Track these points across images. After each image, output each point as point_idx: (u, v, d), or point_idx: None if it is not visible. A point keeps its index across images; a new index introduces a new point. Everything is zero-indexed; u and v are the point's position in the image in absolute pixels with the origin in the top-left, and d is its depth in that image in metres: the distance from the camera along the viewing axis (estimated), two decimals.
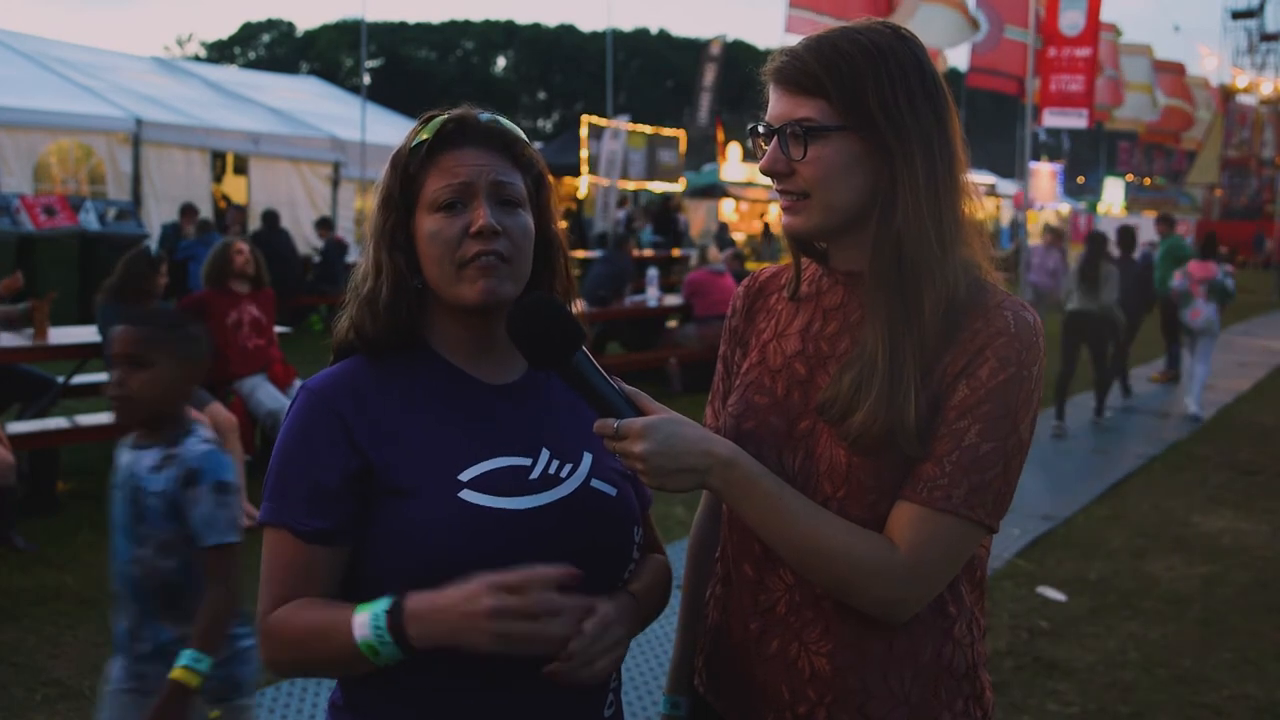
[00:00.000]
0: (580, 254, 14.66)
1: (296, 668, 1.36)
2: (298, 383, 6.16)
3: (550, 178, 1.47)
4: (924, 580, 1.29)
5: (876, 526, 1.30)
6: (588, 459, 1.40)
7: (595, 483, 1.39)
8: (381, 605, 1.24)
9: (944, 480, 1.26)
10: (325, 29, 72.56)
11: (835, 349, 1.37)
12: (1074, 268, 9.40)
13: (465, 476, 1.31)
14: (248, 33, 75.63)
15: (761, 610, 1.40)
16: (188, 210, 12.36)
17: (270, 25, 75.89)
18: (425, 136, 1.36)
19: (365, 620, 1.23)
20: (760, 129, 1.36)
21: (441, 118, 1.37)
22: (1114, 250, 10.12)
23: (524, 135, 1.42)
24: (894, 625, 1.33)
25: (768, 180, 1.38)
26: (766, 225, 24.45)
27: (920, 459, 1.28)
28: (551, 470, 1.36)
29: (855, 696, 1.34)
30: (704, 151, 31.76)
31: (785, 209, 1.36)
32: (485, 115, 1.40)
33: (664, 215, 20.96)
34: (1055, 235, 14.54)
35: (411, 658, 1.24)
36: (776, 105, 1.34)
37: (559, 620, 1.22)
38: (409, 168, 1.36)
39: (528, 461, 1.36)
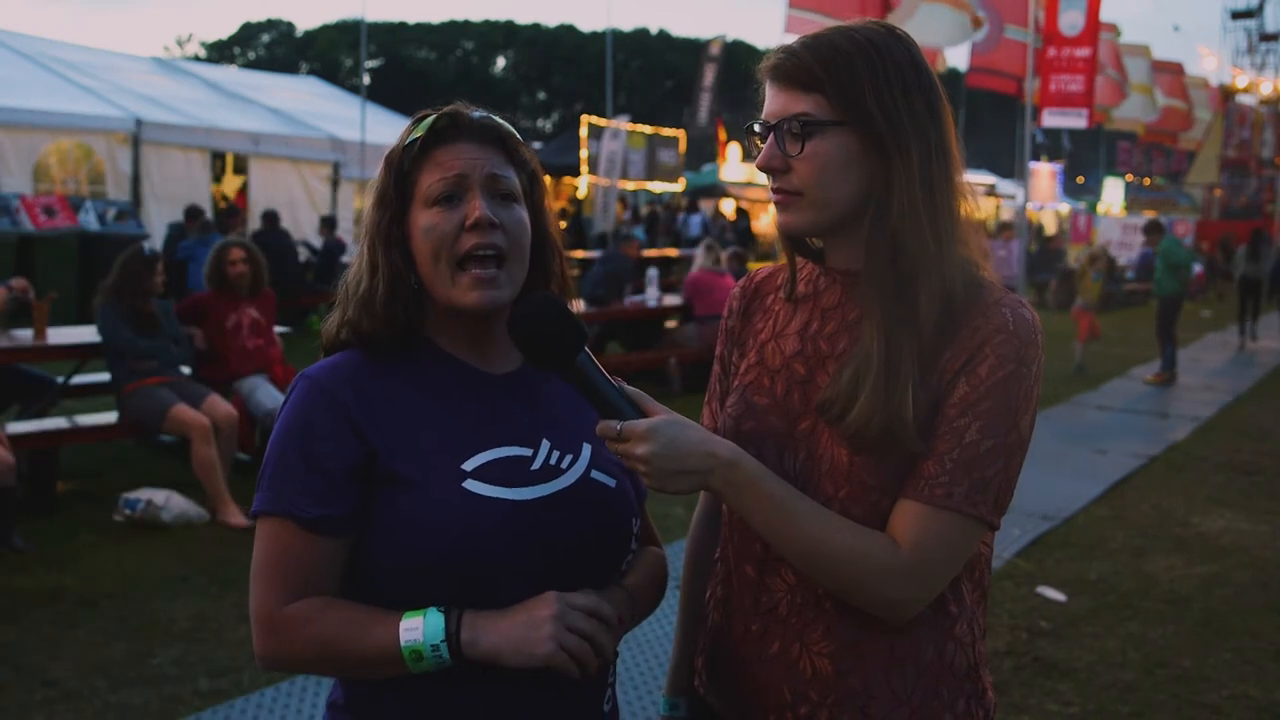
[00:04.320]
0: (580, 254, 14.66)
1: (304, 665, 1.33)
2: None
3: (545, 177, 1.46)
4: (927, 579, 1.29)
5: (879, 526, 1.30)
6: (587, 450, 1.40)
7: (595, 474, 1.39)
8: (435, 610, 1.25)
9: (945, 478, 1.26)
10: (325, 29, 72.53)
11: (834, 348, 1.37)
12: (1244, 248, 16.13)
13: (469, 466, 1.31)
14: (247, 33, 75.58)
15: (763, 611, 1.39)
16: (192, 213, 12.28)
17: (270, 25, 75.84)
18: (419, 134, 1.36)
19: (417, 624, 1.24)
20: (756, 127, 1.36)
21: (434, 115, 1.37)
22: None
23: (517, 133, 1.42)
24: (896, 625, 1.33)
25: (767, 179, 1.38)
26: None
27: (922, 456, 1.28)
28: (552, 461, 1.37)
29: (857, 697, 1.34)
30: (704, 151, 31.76)
31: (779, 205, 1.36)
32: (478, 112, 1.40)
33: (652, 217, 21.52)
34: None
35: (452, 667, 1.25)
36: (773, 102, 1.34)
37: (608, 637, 1.29)
38: (403, 165, 1.36)
39: (529, 452, 1.36)
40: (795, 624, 1.37)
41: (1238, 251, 17.11)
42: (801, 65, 1.31)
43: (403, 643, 1.23)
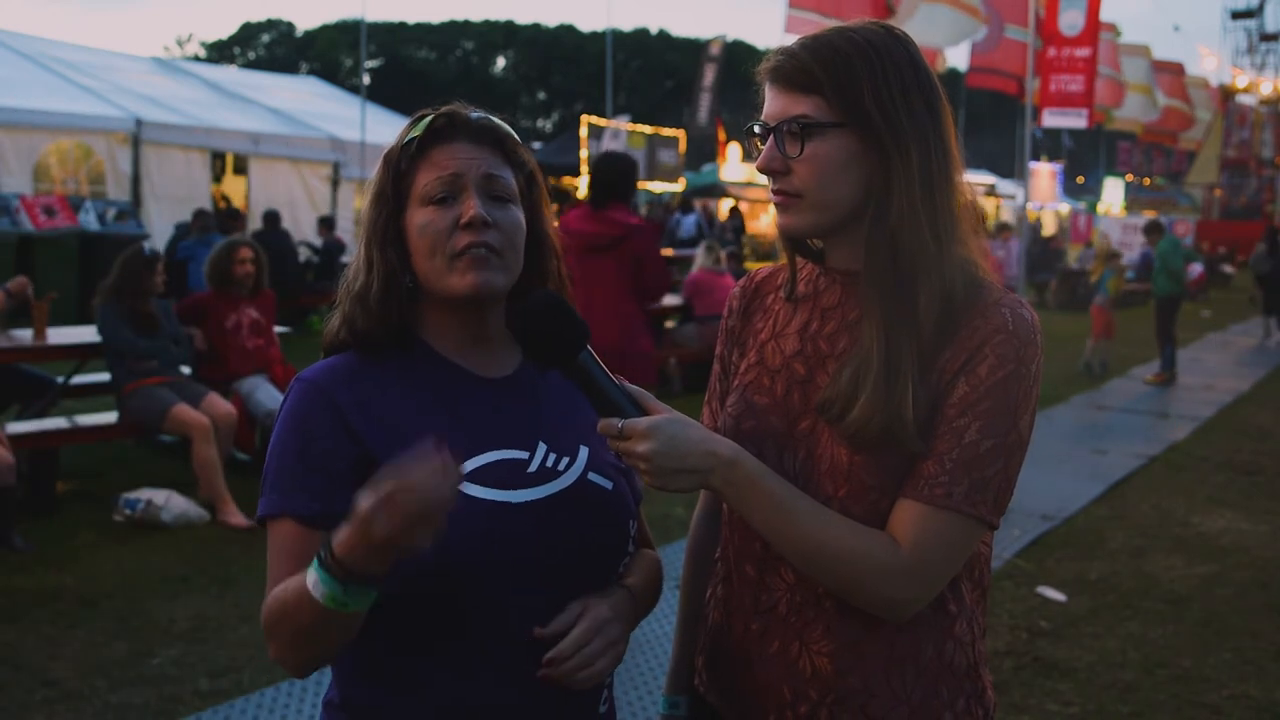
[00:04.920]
0: None
1: (296, 652, 1.27)
2: None
3: (541, 176, 1.47)
4: (927, 578, 1.29)
5: (879, 525, 1.30)
6: (584, 452, 1.41)
7: (592, 476, 1.39)
8: (319, 553, 1.18)
9: (944, 477, 1.27)
10: (325, 29, 72.49)
11: (834, 348, 1.37)
12: (1261, 249, 16.72)
13: (464, 469, 1.31)
14: (247, 33, 75.53)
15: (763, 610, 1.40)
16: (199, 215, 12.23)
17: (270, 25, 75.77)
18: (416, 134, 1.37)
19: (314, 576, 1.18)
20: (756, 128, 1.36)
21: (432, 115, 1.39)
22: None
23: (515, 133, 1.43)
24: (895, 624, 1.33)
25: (767, 180, 1.38)
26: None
27: (921, 456, 1.28)
28: (549, 464, 1.37)
29: (857, 696, 1.34)
30: (704, 151, 31.77)
31: (779, 207, 1.36)
32: (476, 113, 1.41)
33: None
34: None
35: (377, 589, 1.18)
36: (773, 103, 1.34)
37: (427, 469, 1.12)
38: (400, 164, 1.37)
39: (525, 455, 1.36)
40: (795, 623, 1.37)
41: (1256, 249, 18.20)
42: (801, 67, 1.31)
43: (317, 595, 1.17)
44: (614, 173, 4.93)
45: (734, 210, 24.40)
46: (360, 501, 1.12)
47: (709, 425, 1.50)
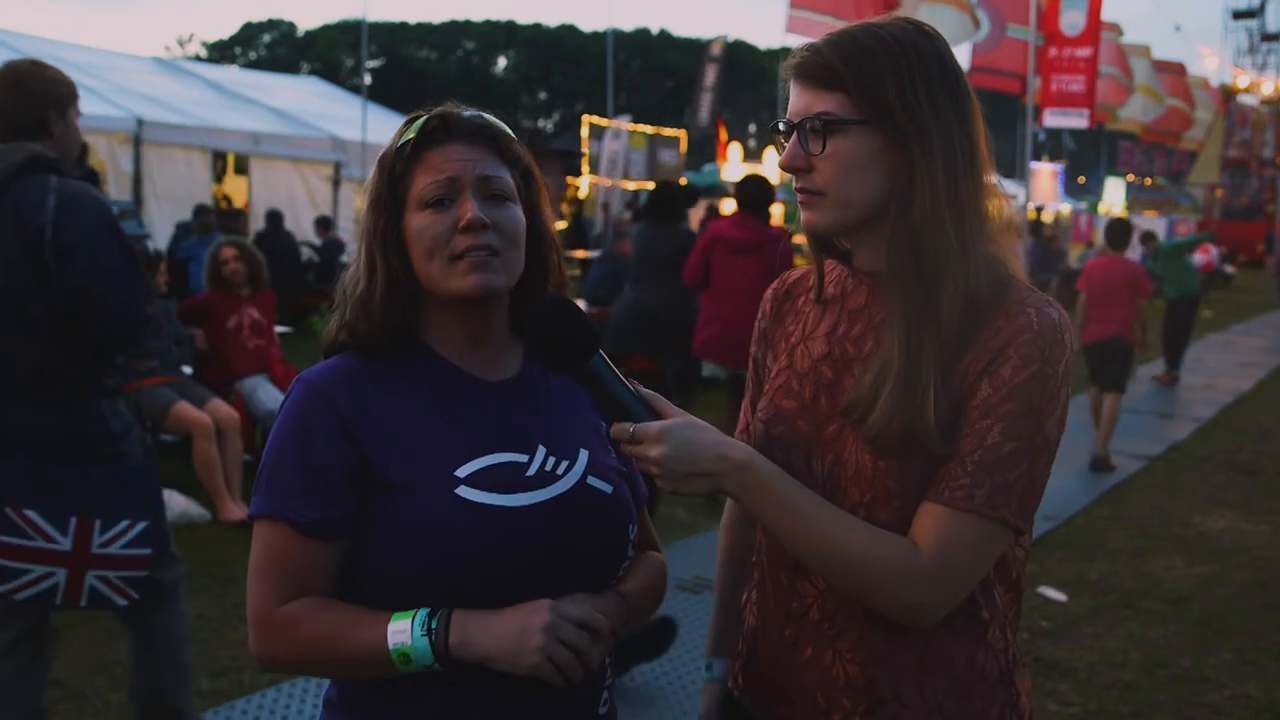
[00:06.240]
0: (580, 254, 14.67)
1: (296, 665, 1.35)
2: None
3: (538, 173, 1.46)
4: (948, 583, 1.26)
5: (904, 532, 1.27)
6: (584, 456, 1.40)
7: (591, 480, 1.39)
8: (423, 612, 1.25)
9: (966, 480, 1.24)
10: (326, 29, 72.52)
11: (861, 351, 1.35)
12: None
13: (462, 473, 1.31)
14: (248, 33, 75.57)
15: (795, 616, 1.39)
16: (200, 212, 12.16)
17: (271, 25, 75.80)
18: (410, 136, 1.36)
19: (405, 627, 1.24)
20: (780, 126, 1.35)
21: (425, 117, 1.38)
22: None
23: (510, 131, 1.42)
24: (927, 632, 1.31)
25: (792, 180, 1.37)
26: None
27: (945, 459, 1.26)
28: (548, 467, 1.37)
29: (889, 705, 1.33)
30: (705, 151, 31.76)
31: (803, 204, 1.35)
32: (469, 112, 1.40)
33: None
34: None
35: (440, 670, 1.25)
36: (797, 101, 1.33)
37: (597, 649, 1.28)
38: (395, 168, 1.36)
39: (524, 458, 1.36)
40: (827, 630, 1.36)
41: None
42: (824, 64, 1.30)
43: (391, 645, 1.24)
44: (756, 191, 6.19)
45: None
46: (549, 625, 1.24)
47: (740, 426, 1.50)
